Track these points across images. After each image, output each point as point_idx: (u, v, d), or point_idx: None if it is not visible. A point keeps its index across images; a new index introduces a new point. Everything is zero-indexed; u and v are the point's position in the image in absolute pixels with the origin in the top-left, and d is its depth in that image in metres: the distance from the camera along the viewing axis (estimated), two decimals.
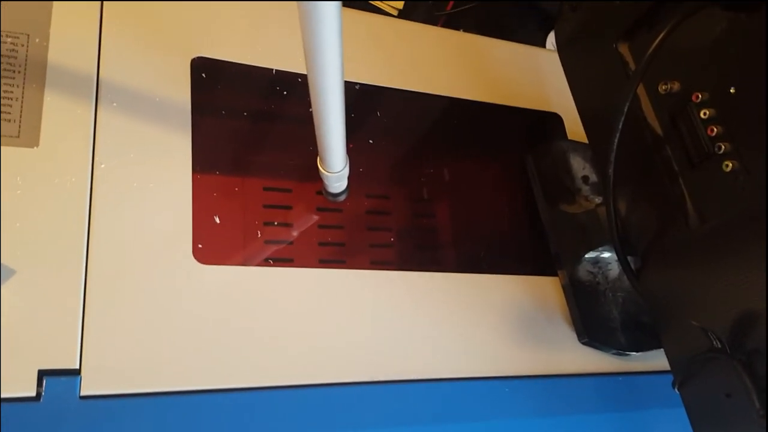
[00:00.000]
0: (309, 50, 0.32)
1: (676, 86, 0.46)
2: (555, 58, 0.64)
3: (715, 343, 0.42)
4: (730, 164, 0.42)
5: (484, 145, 0.59)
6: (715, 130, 0.43)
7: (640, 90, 0.49)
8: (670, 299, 0.47)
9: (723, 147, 0.42)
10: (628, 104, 0.44)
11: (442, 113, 0.58)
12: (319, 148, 0.41)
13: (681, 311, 0.46)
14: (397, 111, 0.56)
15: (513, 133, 0.60)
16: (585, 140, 0.57)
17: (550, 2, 0.77)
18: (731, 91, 0.42)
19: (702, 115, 0.44)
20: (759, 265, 0.40)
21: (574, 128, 0.61)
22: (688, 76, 0.45)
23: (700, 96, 0.44)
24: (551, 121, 0.61)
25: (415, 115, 0.57)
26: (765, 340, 0.40)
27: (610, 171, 0.46)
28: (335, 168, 0.42)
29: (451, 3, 0.75)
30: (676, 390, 0.46)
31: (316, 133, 0.40)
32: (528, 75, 0.63)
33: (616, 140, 0.45)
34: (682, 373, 0.46)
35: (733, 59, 0.42)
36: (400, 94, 0.56)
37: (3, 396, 0.35)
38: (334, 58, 0.33)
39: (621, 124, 0.44)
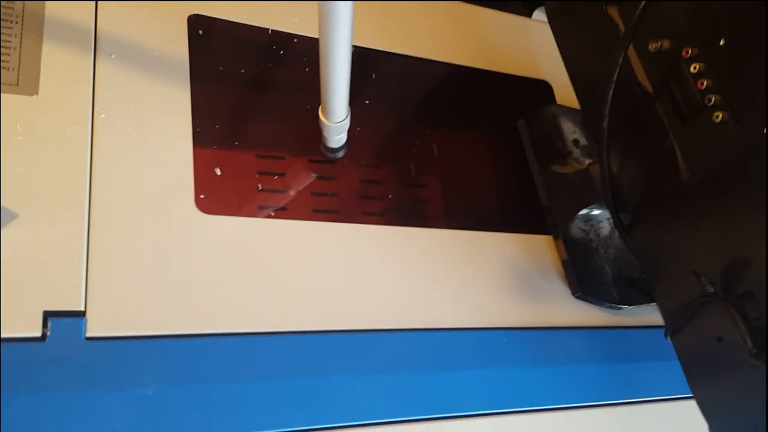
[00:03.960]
0: None
1: (666, 44, 0.47)
2: (543, 28, 0.65)
3: (707, 288, 0.44)
4: (720, 115, 0.43)
5: (476, 109, 0.60)
6: (705, 83, 0.44)
7: (631, 50, 0.50)
8: (661, 251, 0.48)
9: (713, 99, 0.43)
10: (623, 56, 0.45)
11: (434, 77, 0.59)
12: (322, 98, 0.41)
13: (673, 261, 0.47)
14: (390, 74, 0.57)
15: (504, 98, 0.61)
16: (574, 106, 0.58)
17: None
18: (720, 43, 0.43)
19: (692, 69, 0.45)
20: (750, 210, 0.41)
21: (563, 95, 0.62)
22: (677, 33, 0.46)
23: (690, 51, 0.45)
24: (541, 87, 0.62)
25: (408, 79, 0.58)
26: (756, 283, 0.41)
27: (605, 125, 0.47)
28: (337, 118, 0.42)
29: None
30: (668, 339, 0.47)
31: (321, 80, 0.40)
32: (518, 44, 0.64)
33: (611, 93, 0.46)
34: (674, 322, 0.47)
35: (722, 12, 0.43)
36: (394, 58, 0.56)
37: (8, 336, 0.34)
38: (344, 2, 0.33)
39: (616, 76, 0.45)
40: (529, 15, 0.74)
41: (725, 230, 0.43)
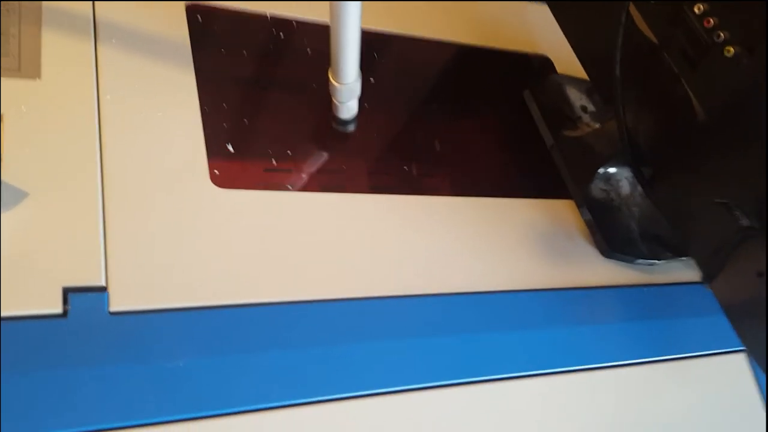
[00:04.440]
0: None
1: None
2: (538, 9, 0.66)
3: (742, 221, 0.42)
4: (732, 49, 0.42)
5: (483, 84, 0.59)
6: (712, 21, 0.44)
7: (632, 8, 0.50)
8: (688, 197, 0.47)
9: (722, 35, 0.43)
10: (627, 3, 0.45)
11: (438, 56, 0.59)
12: (332, 58, 0.41)
13: (702, 204, 0.46)
14: (394, 55, 0.56)
15: (508, 73, 0.61)
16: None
17: None
18: None
19: (696, 10, 0.45)
20: None
21: (563, 70, 0.62)
22: None
23: None
24: (541, 62, 0.62)
25: (411, 58, 0.58)
26: None
27: (617, 72, 0.46)
28: (348, 78, 0.41)
29: None
30: (707, 287, 0.46)
31: (331, 40, 0.39)
32: (515, 24, 0.64)
33: (621, 37, 0.46)
34: (710, 268, 0.45)
35: None
36: (398, 39, 0.56)
37: (29, 313, 0.32)
38: None
39: (624, 17, 0.45)
40: None
41: (752, 161, 0.42)
